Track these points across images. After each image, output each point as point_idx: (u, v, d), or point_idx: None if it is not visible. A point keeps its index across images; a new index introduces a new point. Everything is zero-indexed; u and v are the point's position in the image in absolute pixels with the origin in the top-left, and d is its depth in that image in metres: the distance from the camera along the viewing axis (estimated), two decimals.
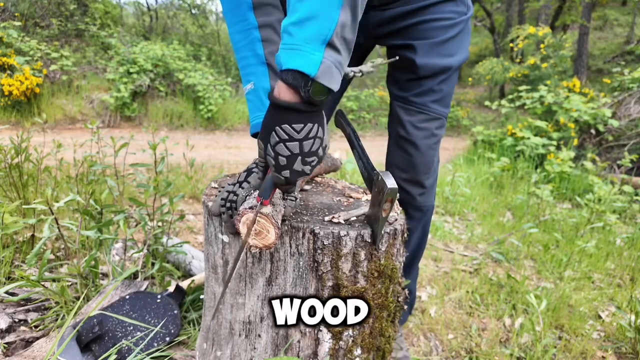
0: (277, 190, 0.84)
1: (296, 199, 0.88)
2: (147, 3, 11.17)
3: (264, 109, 0.96)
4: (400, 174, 1.18)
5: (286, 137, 0.72)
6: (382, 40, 1.17)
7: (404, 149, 1.17)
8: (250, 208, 0.74)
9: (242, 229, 0.76)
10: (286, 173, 0.74)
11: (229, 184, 0.89)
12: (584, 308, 1.86)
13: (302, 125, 0.71)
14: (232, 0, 0.95)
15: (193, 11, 11.15)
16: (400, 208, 1.05)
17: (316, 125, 0.73)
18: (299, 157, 0.73)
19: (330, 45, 0.68)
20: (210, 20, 11.68)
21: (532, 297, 1.58)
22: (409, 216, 1.22)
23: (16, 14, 7.32)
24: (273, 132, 0.72)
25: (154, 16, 11.08)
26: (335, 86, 0.70)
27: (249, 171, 0.90)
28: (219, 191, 0.90)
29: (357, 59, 1.28)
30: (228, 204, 0.82)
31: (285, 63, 0.69)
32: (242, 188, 0.85)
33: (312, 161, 0.75)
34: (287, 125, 0.71)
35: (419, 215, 1.25)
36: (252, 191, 0.85)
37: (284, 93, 0.70)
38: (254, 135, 1.03)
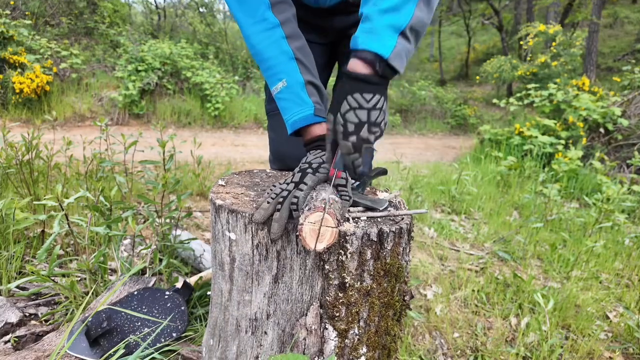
0: (333, 189, 0.85)
1: (350, 197, 0.88)
2: (155, 1, 11.21)
3: (303, 103, 0.97)
4: None
5: (356, 105, 0.79)
6: (344, 31, 1.28)
7: None
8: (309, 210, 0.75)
9: (309, 238, 0.74)
10: (353, 139, 0.80)
11: (280, 183, 0.88)
12: (592, 308, 1.84)
13: (372, 95, 0.79)
14: (249, 2, 0.96)
15: (201, 10, 11.19)
16: (401, 201, 1.05)
17: (382, 98, 0.81)
18: (366, 125, 0.80)
19: (403, 34, 0.79)
20: (217, 19, 11.71)
21: (539, 297, 1.57)
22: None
23: (27, 13, 7.41)
24: (345, 101, 0.79)
25: (162, 14, 11.14)
26: (401, 69, 0.81)
27: (303, 172, 0.88)
28: (268, 193, 0.89)
29: (328, 54, 1.36)
30: (294, 207, 0.81)
31: (362, 44, 0.79)
32: (301, 190, 0.83)
33: (376, 132, 0.82)
34: (358, 94, 0.79)
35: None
36: (310, 192, 0.84)
37: (359, 67, 0.80)
38: (295, 134, 1.01)
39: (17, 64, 6.16)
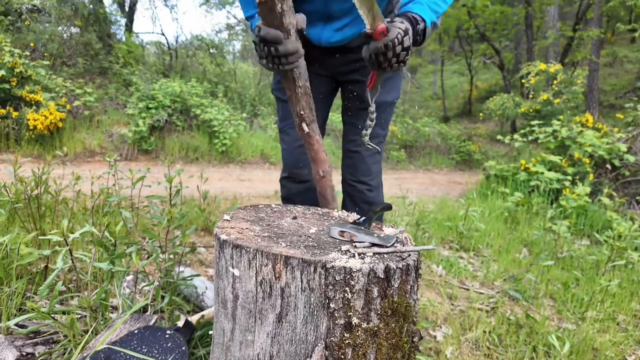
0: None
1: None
2: (167, 43, 11.65)
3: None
4: (350, 176, 1.63)
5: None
6: (344, 75, 1.54)
7: (351, 158, 1.62)
8: None
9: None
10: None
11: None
12: (610, 352, 1.76)
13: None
14: None
15: (211, 51, 11.63)
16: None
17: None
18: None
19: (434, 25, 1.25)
20: (227, 60, 12.14)
21: (553, 339, 1.51)
22: (362, 210, 1.58)
23: (45, 54, 7.74)
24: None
25: (173, 55, 11.59)
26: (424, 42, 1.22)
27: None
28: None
29: (329, 86, 1.60)
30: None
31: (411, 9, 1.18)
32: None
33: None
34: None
35: (367, 208, 1.53)
36: None
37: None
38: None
39: (32, 102, 6.37)
